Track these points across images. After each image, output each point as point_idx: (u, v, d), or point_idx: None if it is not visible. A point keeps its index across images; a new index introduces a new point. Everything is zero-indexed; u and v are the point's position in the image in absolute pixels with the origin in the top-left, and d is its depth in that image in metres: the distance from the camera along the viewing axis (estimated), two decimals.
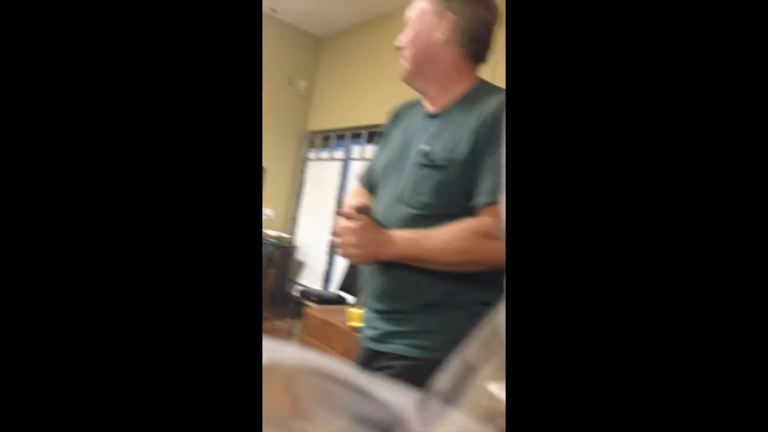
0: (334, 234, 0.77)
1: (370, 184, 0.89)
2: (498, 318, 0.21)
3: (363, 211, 0.75)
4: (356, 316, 0.94)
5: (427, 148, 0.76)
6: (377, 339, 0.78)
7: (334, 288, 3.65)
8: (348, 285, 3.44)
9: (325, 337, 2.74)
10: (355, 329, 2.16)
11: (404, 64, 0.82)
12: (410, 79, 0.82)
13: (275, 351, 0.24)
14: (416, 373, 0.39)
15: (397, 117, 0.92)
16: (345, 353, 2.61)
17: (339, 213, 0.77)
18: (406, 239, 0.72)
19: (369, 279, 0.81)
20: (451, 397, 0.20)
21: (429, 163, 0.74)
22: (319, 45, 4.48)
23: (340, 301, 3.37)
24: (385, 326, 0.77)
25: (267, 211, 4.29)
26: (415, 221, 0.73)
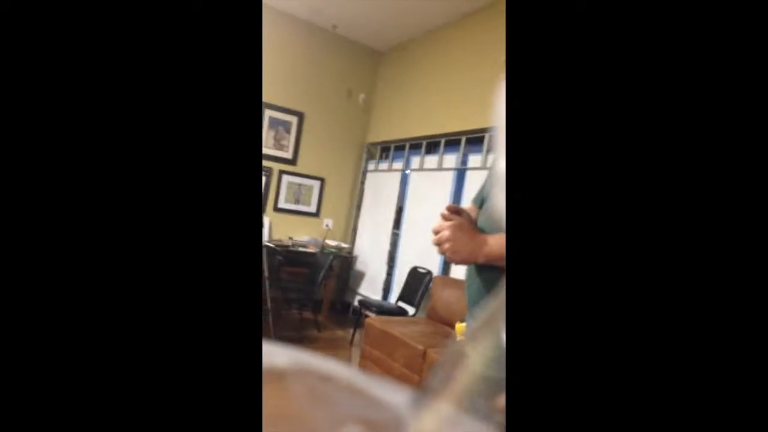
0: (434, 232, 0.81)
1: (480, 200, 0.93)
2: (494, 304, 0.21)
3: (458, 212, 0.79)
4: (461, 329, 0.95)
5: None
6: None
7: (393, 299, 3.67)
8: (407, 296, 3.44)
9: (386, 348, 2.76)
10: None
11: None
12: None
13: (271, 353, 0.23)
14: None
15: None
16: (407, 365, 2.60)
17: (441, 214, 0.82)
18: (500, 241, 0.75)
19: (469, 289, 0.84)
20: (443, 387, 0.20)
21: None
22: (378, 59, 4.56)
23: (401, 312, 3.38)
24: None
25: (326, 221, 4.40)
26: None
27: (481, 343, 0.20)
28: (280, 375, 0.24)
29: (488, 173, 0.87)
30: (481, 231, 0.79)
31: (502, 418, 0.20)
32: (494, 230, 0.79)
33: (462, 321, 1.00)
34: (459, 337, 0.98)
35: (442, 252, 0.79)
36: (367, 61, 4.52)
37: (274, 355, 0.25)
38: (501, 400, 0.20)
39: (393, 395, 0.22)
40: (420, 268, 3.45)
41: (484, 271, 0.80)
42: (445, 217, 0.80)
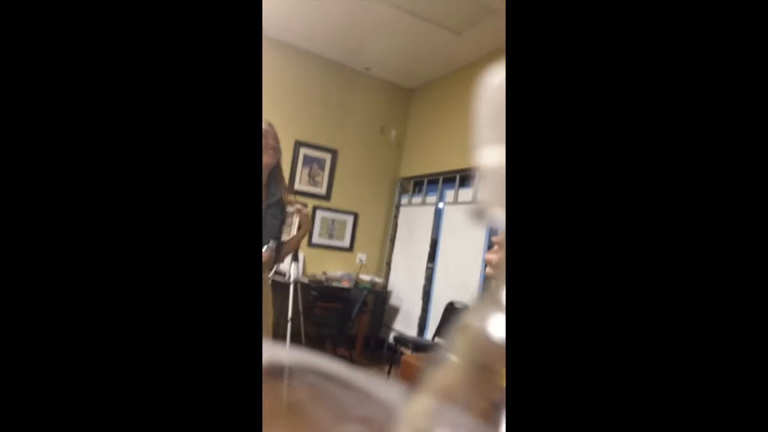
0: (488, 262, 0.85)
1: None
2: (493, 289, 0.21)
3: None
4: None
5: None
6: None
7: (429, 335, 3.58)
8: (444, 332, 3.35)
9: None
10: None
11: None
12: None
13: (274, 351, 0.23)
14: None
15: None
16: None
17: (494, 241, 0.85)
18: None
19: None
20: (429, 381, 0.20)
21: None
22: (409, 95, 4.67)
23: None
24: None
25: (360, 256, 4.41)
26: None
27: (461, 341, 0.21)
28: (283, 372, 0.24)
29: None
30: None
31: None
32: None
33: None
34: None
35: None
36: (399, 98, 4.63)
37: (277, 353, 0.25)
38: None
39: (385, 391, 0.22)
40: (457, 302, 3.37)
41: None
42: (498, 243, 0.82)
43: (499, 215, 0.22)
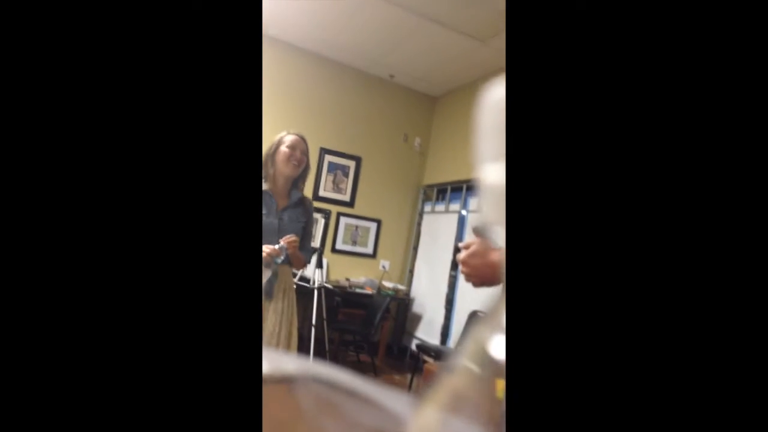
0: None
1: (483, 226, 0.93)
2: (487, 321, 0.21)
3: (478, 234, 0.82)
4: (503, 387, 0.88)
5: None
6: None
7: (452, 344, 3.55)
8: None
9: None
10: None
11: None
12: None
13: (276, 360, 0.23)
14: None
15: None
16: None
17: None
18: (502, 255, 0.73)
19: None
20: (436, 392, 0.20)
21: None
22: (433, 103, 4.68)
23: None
24: None
25: (383, 263, 4.41)
26: None
27: (470, 356, 0.21)
28: (289, 382, 0.23)
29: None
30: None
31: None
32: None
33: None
34: (499, 395, 0.95)
35: (467, 281, 0.84)
36: (423, 106, 4.64)
37: (282, 362, 0.25)
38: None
39: (394, 402, 0.22)
40: (480, 312, 3.33)
41: None
42: (464, 247, 0.84)
43: (499, 233, 0.22)
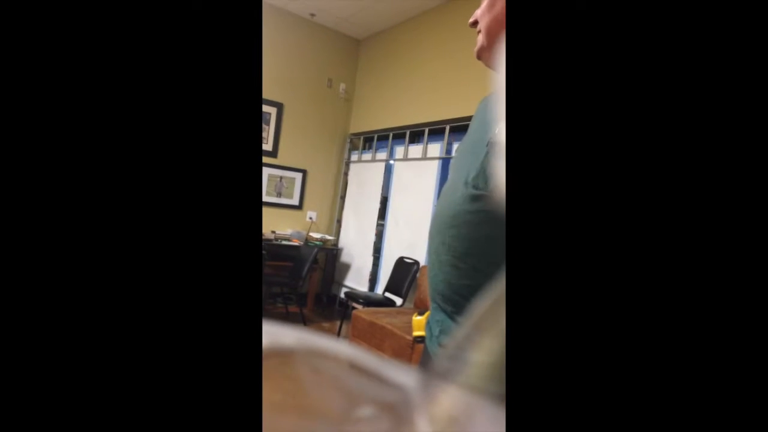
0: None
1: (477, 181, 0.88)
2: (497, 291, 0.21)
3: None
4: (419, 324, 0.94)
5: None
6: None
7: (380, 290, 3.64)
8: (394, 287, 3.42)
9: (374, 340, 2.73)
10: None
11: (479, 38, 0.79)
12: (483, 53, 0.79)
13: (274, 333, 0.23)
14: None
15: (481, 106, 0.90)
16: (396, 355, 2.59)
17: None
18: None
19: (434, 279, 0.84)
20: (450, 371, 0.21)
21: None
22: (358, 47, 4.49)
23: (388, 303, 3.36)
24: None
25: (310, 214, 4.34)
26: (471, 200, 0.74)
27: (488, 331, 0.21)
28: (288, 354, 0.23)
29: (488, 148, 0.82)
30: (492, 219, 0.74)
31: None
32: (449, 205, 0.77)
33: (419, 314, 0.98)
34: (416, 332, 0.99)
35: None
36: (348, 50, 4.44)
37: (280, 335, 0.25)
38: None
39: (399, 375, 0.22)
40: (407, 258, 3.43)
41: (444, 266, 0.79)
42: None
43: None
